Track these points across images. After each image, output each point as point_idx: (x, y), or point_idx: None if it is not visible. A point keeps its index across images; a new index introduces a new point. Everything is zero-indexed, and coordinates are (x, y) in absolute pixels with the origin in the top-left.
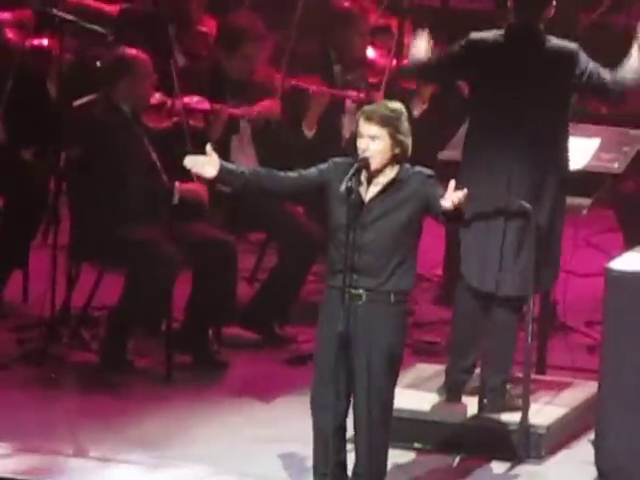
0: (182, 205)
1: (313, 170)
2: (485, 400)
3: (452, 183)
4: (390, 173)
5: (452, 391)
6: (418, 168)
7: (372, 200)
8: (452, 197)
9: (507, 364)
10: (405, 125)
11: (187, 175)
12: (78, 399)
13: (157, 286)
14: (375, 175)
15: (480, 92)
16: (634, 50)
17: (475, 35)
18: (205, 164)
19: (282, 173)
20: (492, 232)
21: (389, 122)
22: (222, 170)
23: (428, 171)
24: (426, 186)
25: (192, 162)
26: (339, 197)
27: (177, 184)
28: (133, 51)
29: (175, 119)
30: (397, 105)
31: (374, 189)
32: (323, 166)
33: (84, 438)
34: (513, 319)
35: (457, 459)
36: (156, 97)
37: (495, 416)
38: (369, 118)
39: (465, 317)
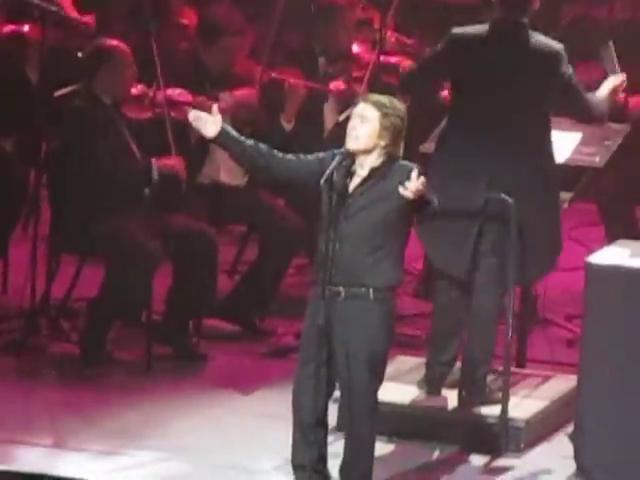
0: (161, 194)
1: (312, 158)
2: (464, 393)
3: (414, 172)
4: (374, 164)
5: (432, 384)
6: (403, 162)
7: (354, 191)
8: (411, 187)
9: (487, 357)
10: (398, 123)
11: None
12: (57, 390)
13: (136, 278)
14: (359, 165)
15: (462, 89)
16: (604, 88)
17: (457, 30)
18: (208, 122)
19: (282, 154)
20: (467, 222)
21: (383, 108)
22: (222, 132)
23: (412, 166)
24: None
25: (195, 117)
26: (325, 188)
27: (154, 160)
28: (114, 42)
29: (156, 111)
30: (401, 106)
31: (356, 180)
32: (322, 155)
33: (63, 429)
34: (492, 311)
35: (436, 452)
36: (137, 88)
37: (475, 409)
38: (367, 100)
39: (444, 309)
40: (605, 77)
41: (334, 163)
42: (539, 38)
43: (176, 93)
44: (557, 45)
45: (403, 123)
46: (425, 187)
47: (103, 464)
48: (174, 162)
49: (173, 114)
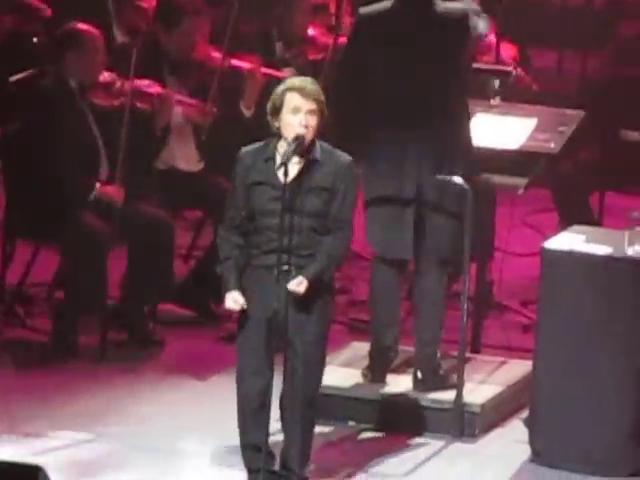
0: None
1: (237, 191)
2: (419, 375)
3: (293, 287)
4: (312, 150)
5: (376, 371)
6: (338, 152)
7: (293, 181)
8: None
9: (435, 338)
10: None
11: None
12: (12, 376)
13: (87, 264)
14: (303, 154)
15: (375, 67)
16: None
17: (363, 10)
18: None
19: (238, 223)
20: (401, 208)
21: (320, 98)
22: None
23: (347, 160)
24: (337, 182)
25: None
26: (257, 182)
27: (98, 185)
28: (84, 25)
29: (122, 99)
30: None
31: (294, 169)
32: (236, 173)
33: (18, 415)
34: (435, 293)
35: (391, 437)
36: (106, 76)
37: (430, 394)
38: (307, 94)
39: (381, 294)
40: None
41: (289, 151)
42: (443, 4)
43: (144, 84)
44: (461, 5)
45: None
46: (305, 285)
47: (59, 450)
48: (114, 192)
49: (139, 104)
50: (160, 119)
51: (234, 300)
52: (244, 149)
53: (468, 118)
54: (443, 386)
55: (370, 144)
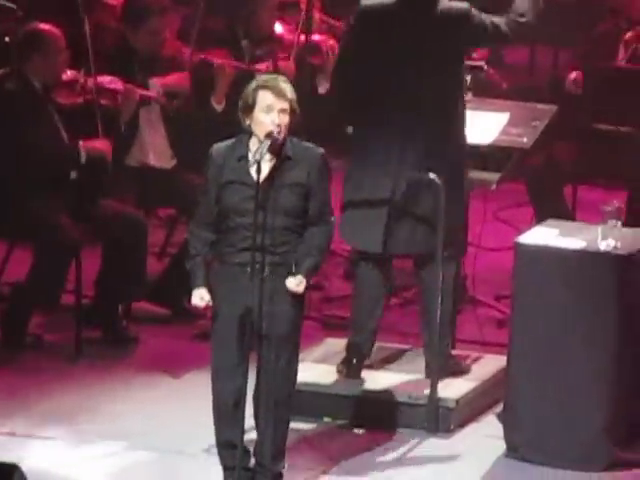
0: (88, 178)
1: (210, 188)
2: (431, 365)
3: (291, 285)
4: (285, 148)
5: (352, 366)
6: (309, 145)
7: (267, 179)
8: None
9: (443, 326)
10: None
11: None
12: None
13: (52, 263)
14: (275, 152)
15: (370, 63)
16: None
17: (365, 2)
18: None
19: (209, 220)
20: (379, 206)
21: (293, 96)
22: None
23: (320, 152)
24: (312, 176)
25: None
26: (231, 181)
27: (81, 142)
28: (46, 26)
29: (87, 97)
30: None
31: (266, 167)
32: (208, 170)
33: None
34: (433, 283)
35: (360, 431)
36: (68, 74)
37: (404, 389)
38: (280, 92)
39: (363, 288)
40: None
41: (262, 150)
42: (445, 2)
43: (107, 80)
44: (462, 5)
45: None
46: (303, 284)
47: (33, 448)
48: (101, 145)
49: (103, 101)
50: (123, 114)
51: (200, 297)
52: (215, 146)
53: (463, 116)
54: (458, 370)
55: (358, 140)
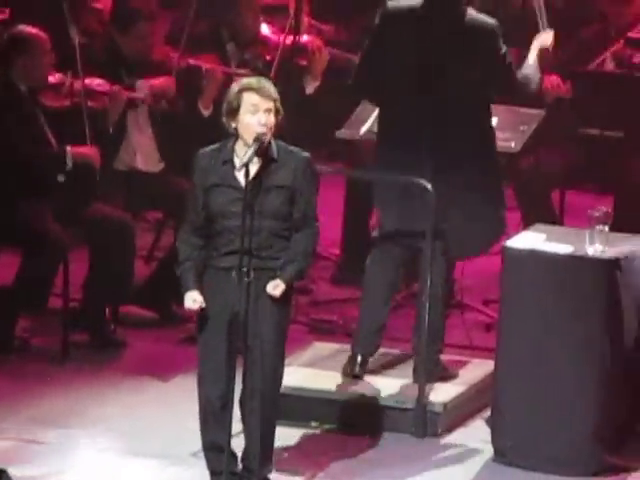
0: (76, 183)
1: (197, 193)
2: (419, 369)
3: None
4: (271, 150)
5: (357, 365)
6: (294, 148)
7: (253, 181)
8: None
9: (438, 333)
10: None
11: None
12: None
13: (40, 267)
14: (261, 154)
15: (396, 66)
16: (530, 56)
17: (391, 4)
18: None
19: (198, 225)
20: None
21: (277, 96)
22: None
23: (305, 155)
24: (298, 179)
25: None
26: (216, 184)
27: (68, 148)
28: (31, 29)
29: (74, 99)
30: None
31: (252, 169)
32: (194, 175)
33: None
34: (436, 290)
35: (354, 437)
36: (55, 76)
37: (392, 393)
38: (265, 93)
39: (371, 289)
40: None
41: (250, 153)
42: (474, 13)
43: (94, 83)
44: (492, 21)
45: None
46: (281, 288)
47: (20, 452)
48: (89, 150)
49: (90, 103)
50: (110, 116)
51: (193, 299)
52: (201, 151)
53: (490, 125)
54: (446, 374)
55: (384, 145)
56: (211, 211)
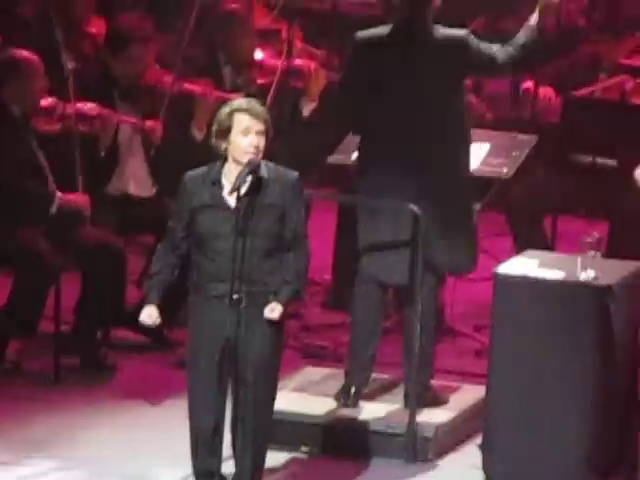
0: (62, 214)
1: (180, 213)
2: (410, 394)
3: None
4: (261, 171)
5: (351, 395)
6: (282, 168)
7: (243, 201)
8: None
9: (428, 358)
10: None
11: (73, 182)
12: None
13: (31, 291)
14: (251, 174)
15: (371, 94)
16: (532, 17)
17: (361, 34)
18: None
19: (176, 244)
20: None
21: (267, 118)
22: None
23: (294, 176)
24: (288, 198)
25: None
26: (205, 205)
27: (59, 194)
28: (24, 53)
29: (65, 123)
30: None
31: (242, 189)
32: (179, 197)
33: None
34: (427, 314)
35: (344, 462)
36: (48, 100)
37: (383, 418)
38: (257, 115)
39: (361, 319)
40: None
41: (243, 175)
42: (442, 30)
43: (86, 107)
44: (461, 32)
45: None
46: (278, 310)
47: (8, 474)
48: (80, 198)
49: (82, 127)
50: (102, 140)
51: (148, 315)
52: (189, 173)
53: (468, 147)
54: (436, 401)
55: (366, 175)
56: (199, 233)
